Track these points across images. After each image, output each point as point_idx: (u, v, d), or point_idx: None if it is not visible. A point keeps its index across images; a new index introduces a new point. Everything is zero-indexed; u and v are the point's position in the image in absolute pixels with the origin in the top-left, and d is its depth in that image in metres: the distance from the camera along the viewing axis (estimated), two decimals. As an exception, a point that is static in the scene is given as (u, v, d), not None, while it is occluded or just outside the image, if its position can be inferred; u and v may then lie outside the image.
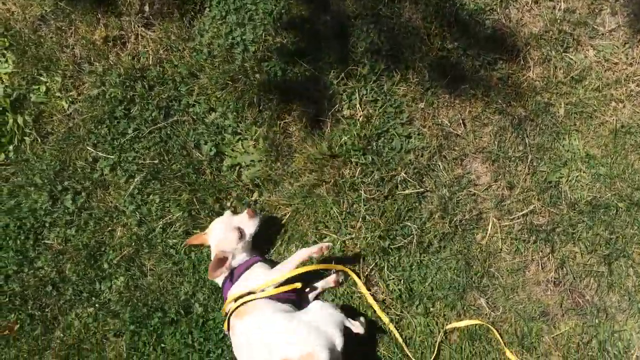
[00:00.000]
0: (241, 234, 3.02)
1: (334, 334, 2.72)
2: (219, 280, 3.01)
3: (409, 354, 3.09)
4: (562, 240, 3.19)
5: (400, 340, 3.09)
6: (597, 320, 3.10)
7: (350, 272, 3.13)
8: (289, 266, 2.94)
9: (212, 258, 2.99)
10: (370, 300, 3.14)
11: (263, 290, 2.89)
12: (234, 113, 3.39)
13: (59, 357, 3.26)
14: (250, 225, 3.07)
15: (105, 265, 3.35)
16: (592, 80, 3.28)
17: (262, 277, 2.93)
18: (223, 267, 2.93)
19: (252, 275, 2.96)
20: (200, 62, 3.43)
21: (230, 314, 2.87)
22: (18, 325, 3.32)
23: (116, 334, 3.29)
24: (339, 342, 2.72)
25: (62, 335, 3.31)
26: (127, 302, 3.29)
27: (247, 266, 2.99)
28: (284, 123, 3.38)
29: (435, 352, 3.10)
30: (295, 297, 3.01)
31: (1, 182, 3.50)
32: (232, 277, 2.97)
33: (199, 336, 3.21)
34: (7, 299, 3.33)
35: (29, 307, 3.33)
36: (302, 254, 2.96)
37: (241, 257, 3.03)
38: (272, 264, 3.10)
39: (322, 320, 2.76)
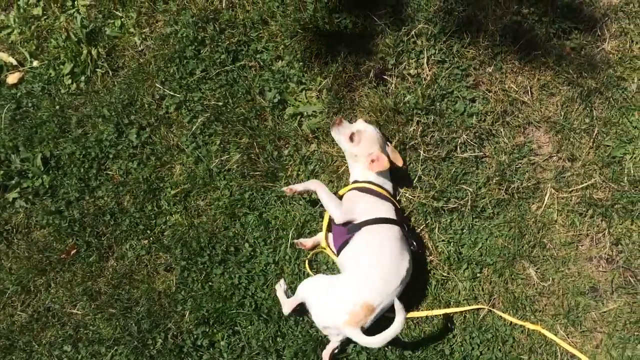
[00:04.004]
0: None
1: None
2: None
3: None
4: (620, 217, 3.26)
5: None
6: (647, 301, 3.17)
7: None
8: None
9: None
10: None
11: None
12: (301, 63, 3.54)
13: (110, 284, 3.47)
14: None
15: (163, 201, 3.56)
16: (668, 57, 3.32)
17: None
18: None
19: None
20: (272, 9, 3.59)
21: None
22: (75, 251, 3.55)
23: (167, 268, 3.49)
24: None
25: (115, 264, 3.53)
26: (180, 238, 3.49)
27: None
28: (349, 77, 3.51)
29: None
30: None
31: (71, 111, 3.73)
32: None
33: (245, 277, 3.39)
34: (66, 224, 3.55)
35: (87, 234, 3.55)
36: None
37: None
38: None
39: None
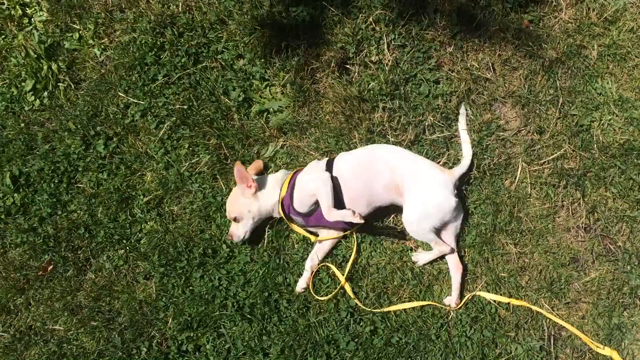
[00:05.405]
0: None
1: None
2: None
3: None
4: (593, 185, 3.26)
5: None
6: (629, 267, 3.17)
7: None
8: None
9: None
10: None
11: None
12: (262, 59, 3.55)
13: (90, 297, 3.46)
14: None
15: (136, 210, 3.55)
16: (626, 22, 3.34)
17: None
18: None
19: None
20: (228, 8, 3.61)
21: None
22: (52, 267, 3.54)
23: (146, 276, 3.48)
24: None
25: (93, 276, 3.52)
26: (157, 245, 3.48)
27: None
28: (311, 69, 3.53)
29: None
30: None
31: (36, 127, 3.74)
32: None
33: (225, 279, 3.38)
34: (41, 241, 3.55)
35: (62, 249, 3.54)
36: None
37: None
38: None
39: None
